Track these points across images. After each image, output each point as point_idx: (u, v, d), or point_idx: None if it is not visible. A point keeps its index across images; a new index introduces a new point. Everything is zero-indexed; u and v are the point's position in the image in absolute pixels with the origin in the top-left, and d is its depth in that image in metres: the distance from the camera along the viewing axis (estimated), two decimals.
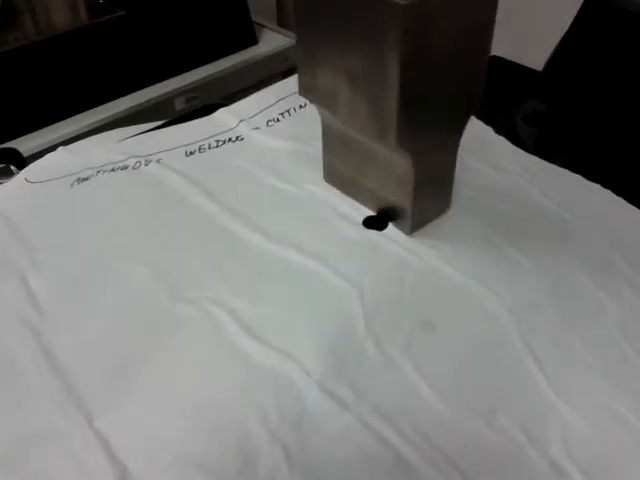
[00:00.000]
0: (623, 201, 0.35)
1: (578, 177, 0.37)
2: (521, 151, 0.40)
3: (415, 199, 0.31)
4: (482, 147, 0.39)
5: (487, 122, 0.44)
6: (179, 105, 0.70)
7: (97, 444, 0.24)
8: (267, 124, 0.40)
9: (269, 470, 0.24)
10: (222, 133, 0.40)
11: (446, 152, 0.32)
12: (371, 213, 0.34)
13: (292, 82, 0.42)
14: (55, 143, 0.61)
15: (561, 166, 0.41)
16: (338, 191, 0.36)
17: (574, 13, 0.42)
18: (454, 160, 0.32)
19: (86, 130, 0.63)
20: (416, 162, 0.29)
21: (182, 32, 0.72)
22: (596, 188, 0.36)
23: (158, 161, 0.37)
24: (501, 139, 0.41)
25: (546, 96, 0.45)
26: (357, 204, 0.35)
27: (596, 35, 0.40)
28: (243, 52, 0.78)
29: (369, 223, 0.34)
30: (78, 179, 0.37)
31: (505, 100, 0.48)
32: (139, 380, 0.27)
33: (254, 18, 0.80)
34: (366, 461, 0.24)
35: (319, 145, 0.36)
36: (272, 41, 0.82)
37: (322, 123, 0.33)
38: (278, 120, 0.40)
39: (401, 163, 0.30)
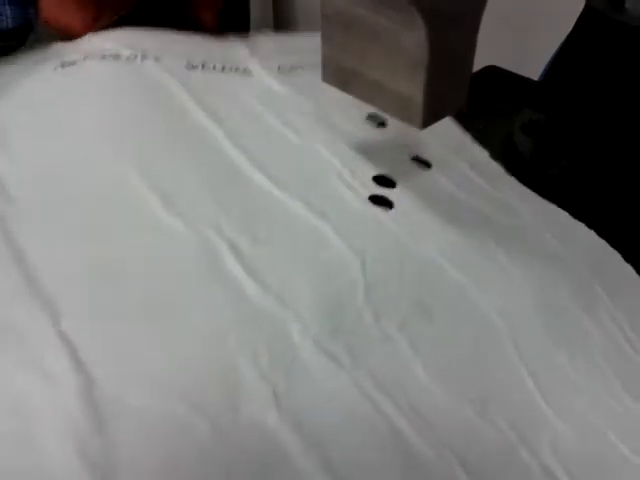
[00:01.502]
0: (605, 243, 0.35)
1: (564, 213, 0.37)
2: (512, 179, 0.39)
3: (427, 84, 0.28)
4: (476, 157, 0.39)
5: (484, 131, 0.44)
6: None
7: (62, 346, 0.22)
8: (278, 69, 0.37)
9: (256, 410, 0.22)
10: (230, 59, 0.36)
11: (461, 32, 0.28)
12: (371, 110, 0.32)
13: (313, 38, 0.38)
14: None
15: (557, 176, 0.41)
16: (346, 154, 0.33)
17: (571, 23, 0.42)
18: (471, 45, 0.29)
19: None
20: (429, 36, 0.26)
21: None
22: (580, 225, 0.36)
23: (156, 59, 0.34)
24: (494, 164, 0.40)
25: (543, 106, 0.45)
26: (364, 179, 0.33)
27: (593, 46, 0.41)
28: None
29: (375, 201, 0.33)
30: (62, 63, 0.33)
31: (502, 109, 0.48)
32: (118, 289, 0.24)
33: (251, 25, 0.80)
34: (360, 424, 0.23)
35: (328, 106, 0.34)
36: None
37: (322, 9, 0.30)
38: (290, 70, 0.38)
39: (412, 40, 0.27)
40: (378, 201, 0.33)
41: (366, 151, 0.36)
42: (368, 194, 0.33)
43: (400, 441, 0.23)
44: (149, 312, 0.24)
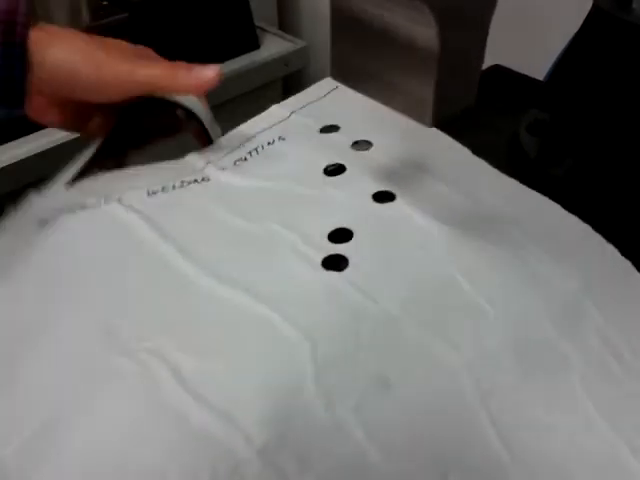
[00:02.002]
0: (599, 237, 0.34)
1: (557, 207, 0.36)
2: (502, 175, 0.38)
3: (438, 82, 0.28)
4: (458, 172, 0.38)
5: (489, 131, 0.44)
6: None
7: None
8: (234, 164, 0.39)
9: None
10: (188, 175, 0.38)
11: (472, 30, 0.28)
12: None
13: (259, 121, 0.43)
14: (55, 145, 0.61)
15: (563, 175, 0.41)
16: (299, 220, 0.34)
17: (578, 23, 0.42)
18: (481, 43, 0.29)
19: None
20: (440, 34, 0.26)
21: (184, 35, 0.72)
22: (575, 221, 0.35)
23: (118, 200, 0.36)
24: (481, 162, 0.39)
25: (549, 106, 0.45)
26: (317, 242, 0.33)
27: (599, 46, 0.40)
28: (245, 56, 0.79)
29: (328, 264, 0.32)
30: (40, 221, 0.35)
31: (508, 109, 0.48)
32: (63, 443, 0.25)
33: (256, 22, 0.80)
34: None
35: (282, 180, 0.35)
36: (274, 46, 0.82)
37: (332, 10, 0.30)
38: (245, 159, 0.39)
39: (423, 38, 0.27)
40: (333, 262, 0.32)
41: (323, 207, 0.35)
42: (322, 257, 0.32)
43: None
44: (86, 456, 0.25)
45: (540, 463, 0.25)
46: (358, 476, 0.24)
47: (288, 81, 0.88)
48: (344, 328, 0.29)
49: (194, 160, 0.39)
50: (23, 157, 0.60)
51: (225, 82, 0.74)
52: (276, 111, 0.44)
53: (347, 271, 0.31)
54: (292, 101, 0.45)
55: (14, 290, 0.32)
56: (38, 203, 0.37)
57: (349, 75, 0.32)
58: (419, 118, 0.29)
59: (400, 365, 0.28)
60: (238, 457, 0.24)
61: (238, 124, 0.45)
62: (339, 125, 0.42)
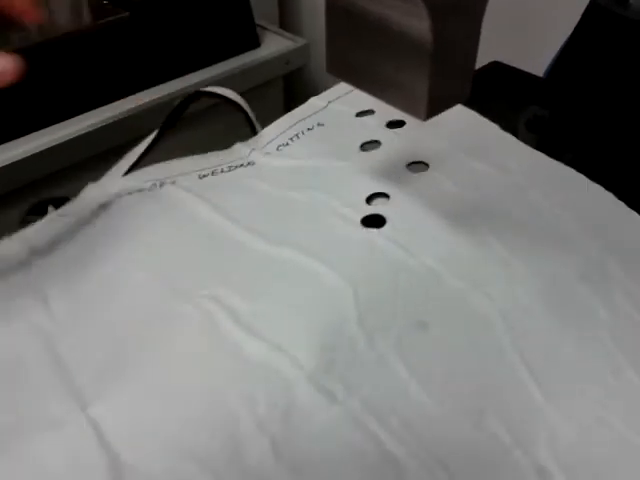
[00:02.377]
0: (623, 205, 0.36)
1: (582, 177, 0.37)
2: (528, 148, 0.40)
3: (431, 75, 0.28)
4: (486, 145, 0.40)
5: None
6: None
7: (90, 430, 0.25)
8: (277, 149, 0.42)
9: (256, 460, 0.24)
10: (235, 160, 0.42)
11: (465, 22, 0.28)
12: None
13: (300, 112, 0.45)
14: (58, 143, 0.61)
15: None
16: (338, 187, 0.36)
17: (576, 19, 0.42)
18: (475, 36, 0.29)
19: (89, 130, 0.63)
20: (433, 27, 0.26)
21: (185, 34, 0.72)
22: (598, 190, 0.37)
23: (173, 183, 0.39)
24: (507, 136, 0.41)
25: (548, 102, 0.45)
26: (356, 204, 0.35)
27: (598, 42, 0.41)
28: (246, 54, 0.79)
29: (367, 222, 0.34)
30: (100, 205, 0.39)
31: (507, 106, 0.48)
32: (132, 371, 0.28)
33: (256, 21, 0.80)
34: (353, 456, 0.24)
35: (321, 158, 0.38)
36: (274, 44, 0.82)
37: (327, 4, 0.31)
38: (287, 144, 0.42)
39: (416, 31, 0.27)
40: (371, 221, 0.34)
41: (360, 175, 0.38)
42: (361, 217, 0.35)
43: (392, 466, 0.24)
44: (157, 383, 0.27)
45: (572, 404, 0.26)
46: (401, 403, 0.26)
47: (289, 79, 0.88)
48: (384, 277, 0.31)
49: (240, 148, 0.43)
50: (51, 145, 0.61)
51: (226, 81, 0.75)
52: (314, 102, 0.46)
53: (385, 228, 0.34)
54: (328, 93, 0.47)
55: (84, 254, 0.35)
56: (96, 190, 0.41)
57: (344, 69, 0.32)
58: (414, 111, 0.30)
59: (437, 310, 0.30)
60: (289, 380, 0.27)
61: (240, 122, 0.46)
62: (374, 110, 0.44)
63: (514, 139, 0.41)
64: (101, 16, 0.65)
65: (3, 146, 0.60)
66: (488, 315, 0.29)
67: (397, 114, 0.42)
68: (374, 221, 0.34)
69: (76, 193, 0.40)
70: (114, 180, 0.41)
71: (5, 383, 0.28)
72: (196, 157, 0.43)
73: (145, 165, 0.42)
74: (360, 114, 0.44)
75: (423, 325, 0.29)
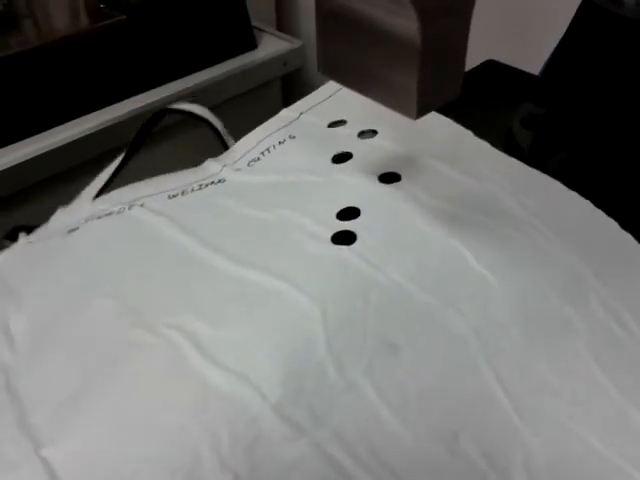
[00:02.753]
0: (602, 213, 0.35)
1: (558, 184, 0.37)
2: (503, 155, 0.39)
3: (421, 74, 0.28)
4: (460, 153, 0.39)
5: (484, 125, 0.45)
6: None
7: (43, 473, 0.24)
8: (248, 164, 0.41)
9: None
10: (205, 178, 0.41)
11: (454, 21, 0.28)
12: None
13: (271, 124, 0.44)
14: (56, 146, 0.62)
15: (557, 169, 0.41)
16: (308, 204, 0.36)
17: (571, 17, 0.42)
18: (464, 34, 0.29)
19: (86, 134, 0.63)
20: (422, 26, 0.26)
21: (182, 36, 0.72)
22: (575, 198, 0.36)
23: (141, 205, 0.38)
24: (483, 143, 0.40)
25: (543, 100, 0.45)
26: (326, 221, 0.34)
27: (592, 40, 0.41)
28: (242, 56, 0.79)
29: (337, 239, 0.33)
30: (69, 230, 0.38)
31: (502, 104, 0.48)
32: (91, 407, 0.27)
33: (253, 23, 0.81)
34: None
35: (292, 172, 0.37)
36: (271, 45, 0.82)
37: (317, 5, 0.31)
38: (258, 159, 0.41)
39: (405, 30, 0.27)
40: (341, 238, 0.33)
41: (331, 190, 0.37)
42: (331, 234, 0.33)
43: None
44: (115, 421, 0.26)
45: (547, 423, 0.26)
46: (372, 431, 0.25)
47: (286, 80, 0.88)
48: (353, 296, 0.30)
49: (210, 165, 0.42)
50: (49, 149, 0.61)
51: (223, 82, 0.75)
52: (286, 114, 0.46)
53: (355, 245, 0.33)
54: (300, 104, 0.47)
55: (49, 281, 0.34)
56: (65, 215, 0.40)
57: (335, 70, 0.32)
58: (404, 110, 0.29)
59: (409, 330, 0.29)
60: (254, 413, 0.25)
61: (237, 124, 0.46)
62: (346, 120, 0.43)
63: (489, 146, 0.40)
64: (98, 19, 0.66)
65: (2, 150, 0.61)
66: (461, 333, 0.29)
67: (368, 124, 0.42)
68: (344, 238, 0.33)
69: (72, 197, 0.41)
70: (83, 205, 0.41)
71: None
72: (166, 176, 0.42)
73: (115, 187, 0.42)
74: (332, 125, 0.43)
75: (394, 347, 0.28)
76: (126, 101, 0.68)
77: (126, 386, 0.27)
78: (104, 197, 0.41)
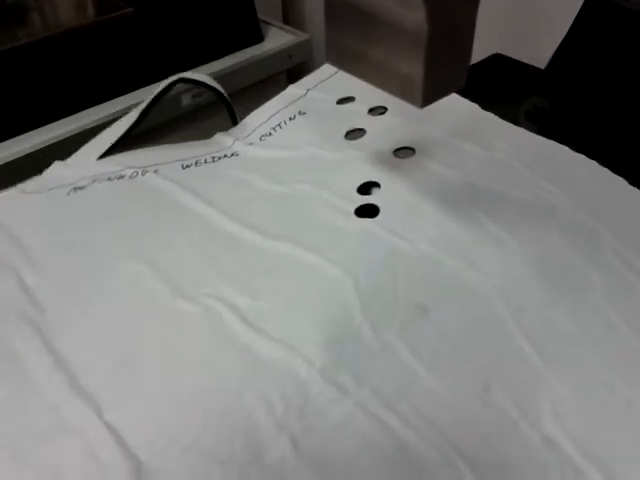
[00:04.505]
0: (608, 171, 0.36)
1: (565, 148, 0.38)
2: (510, 125, 0.41)
3: (427, 62, 0.28)
4: (469, 125, 0.40)
5: None
6: (185, 101, 0.71)
7: (109, 437, 0.25)
8: (260, 139, 0.42)
9: (277, 459, 0.24)
10: (218, 151, 0.41)
11: (461, 11, 0.29)
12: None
13: (280, 100, 0.45)
14: (64, 137, 0.62)
15: None
16: (328, 179, 0.36)
17: (577, 11, 0.42)
18: (471, 24, 0.29)
19: (94, 125, 0.64)
20: (429, 15, 0.27)
21: (189, 29, 0.72)
22: (582, 159, 0.37)
23: (155, 171, 0.38)
24: (489, 115, 0.42)
25: (548, 93, 0.45)
26: (348, 195, 0.35)
27: (598, 33, 0.41)
28: (249, 49, 0.79)
29: (361, 213, 0.34)
30: (74, 188, 0.38)
31: (507, 97, 0.48)
32: (144, 374, 0.27)
33: (260, 16, 0.81)
34: (369, 447, 0.25)
35: (306, 148, 0.38)
36: (277, 39, 0.82)
37: None
38: (270, 134, 0.42)
39: (412, 19, 0.27)
40: (365, 211, 0.34)
41: (348, 165, 0.38)
42: (354, 207, 0.35)
43: (407, 455, 0.24)
44: (170, 387, 0.27)
45: (572, 371, 0.27)
46: (409, 388, 0.26)
47: (292, 73, 0.88)
48: (382, 265, 0.32)
49: (222, 139, 0.42)
50: (57, 140, 0.62)
51: (229, 75, 0.75)
52: (293, 90, 0.46)
53: (379, 217, 0.34)
54: (306, 80, 0.47)
55: (60, 237, 0.34)
56: (66, 170, 0.40)
57: (343, 59, 0.33)
58: (411, 99, 0.30)
59: (436, 293, 0.30)
60: (302, 378, 0.27)
61: (243, 117, 0.46)
62: (354, 96, 0.44)
63: (496, 117, 0.41)
64: (105, 11, 0.66)
65: (7, 142, 0.61)
66: (485, 293, 0.30)
67: (377, 100, 0.42)
68: (367, 211, 0.34)
69: None
70: (88, 162, 0.40)
71: (8, 382, 0.27)
72: (176, 145, 0.42)
73: (117, 152, 0.41)
74: (341, 101, 0.44)
75: (424, 309, 0.29)
76: (132, 93, 0.68)
77: (171, 352, 0.28)
78: (112, 158, 0.40)
